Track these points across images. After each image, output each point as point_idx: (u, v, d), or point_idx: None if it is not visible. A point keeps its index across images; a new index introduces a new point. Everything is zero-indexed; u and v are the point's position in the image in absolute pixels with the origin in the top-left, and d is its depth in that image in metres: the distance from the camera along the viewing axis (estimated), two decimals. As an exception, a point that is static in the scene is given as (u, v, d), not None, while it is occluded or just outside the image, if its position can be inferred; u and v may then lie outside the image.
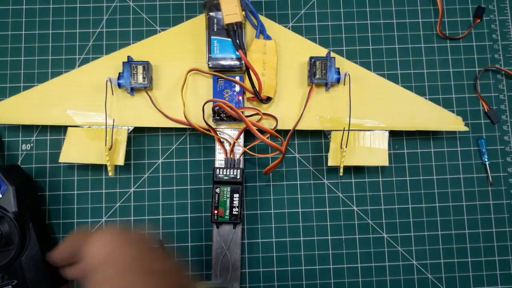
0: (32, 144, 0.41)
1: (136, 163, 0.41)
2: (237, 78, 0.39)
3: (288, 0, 0.44)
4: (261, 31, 0.40)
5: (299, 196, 0.41)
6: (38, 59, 0.42)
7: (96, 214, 0.41)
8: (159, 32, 0.42)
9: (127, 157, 0.41)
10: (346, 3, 0.44)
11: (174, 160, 0.42)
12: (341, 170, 0.38)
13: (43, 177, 0.41)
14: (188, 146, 0.42)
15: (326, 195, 0.41)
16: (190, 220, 0.41)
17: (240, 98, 0.39)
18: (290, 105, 0.40)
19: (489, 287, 0.41)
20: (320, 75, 0.38)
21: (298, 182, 0.42)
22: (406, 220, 0.41)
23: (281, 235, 0.41)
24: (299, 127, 0.39)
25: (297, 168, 0.42)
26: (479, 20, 0.43)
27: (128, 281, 0.25)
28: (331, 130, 0.39)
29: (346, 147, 0.38)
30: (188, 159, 0.42)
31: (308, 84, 0.39)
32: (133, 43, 0.42)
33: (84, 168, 0.41)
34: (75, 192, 0.41)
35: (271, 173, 0.41)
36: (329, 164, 0.39)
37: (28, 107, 0.39)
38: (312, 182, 0.42)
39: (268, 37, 0.40)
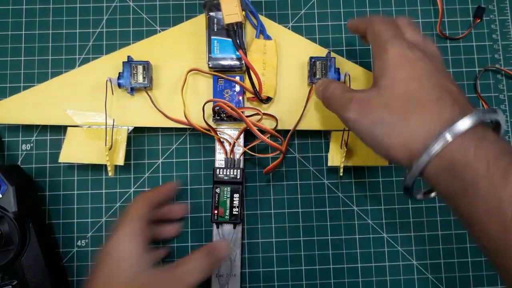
0: (32, 144, 0.41)
1: (136, 163, 0.41)
2: (237, 78, 0.38)
3: (288, 0, 0.44)
4: (261, 31, 0.40)
5: (299, 196, 0.41)
6: (38, 59, 0.42)
7: (96, 214, 0.41)
8: (159, 32, 0.42)
9: (127, 157, 0.41)
10: (346, 3, 0.44)
11: (174, 160, 0.42)
12: (341, 171, 0.38)
13: (43, 177, 0.41)
14: (188, 146, 0.42)
15: (326, 195, 0.41)
16: (190, 220, 0.41)
17: (240, 98, 0.39)
18: (290, 105, 0.39)
19: (489, 287, 0.41)
20: (320, 75, 0.38)
21: (298, 182, 0.42)
22: (406, 220, 0.41)
23: (281, 235, 0.41)
24: (299, 127, 0.39)
25: (297, 168, 0.42)
26: (479, 20, 0.43)
27: (419, 85, 0.27)
28: (331, 130, 0.39)
29: (346, 147, 0.38)
30: (188, 159, 0.42)
31: (308, 84, 0.39)
32: (133, 43, 0.42)
33: (84, 168, 0.41)
34: (75, 192, 0.41)
35: (271, 173, 0.41)
36: (329, 164, 0.39)
37: (27, 107, 0.39)
38: (312, 182, 0.42)
39: (268, 37, 0.40)
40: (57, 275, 0.39)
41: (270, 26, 0.40)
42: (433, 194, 0.31)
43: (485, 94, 0.43)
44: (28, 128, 0.41)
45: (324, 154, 0.42)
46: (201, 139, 0.42)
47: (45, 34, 0.43)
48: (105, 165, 0.38)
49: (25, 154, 0.41)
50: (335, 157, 0.39)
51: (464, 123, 0.24)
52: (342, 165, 0.38)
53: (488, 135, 0.25)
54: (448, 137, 0.24)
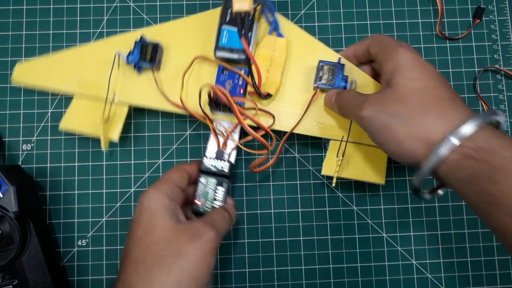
0: (32, 144, 0.41)
1: (137, 163, 0.42)
2: (243, 72, 0.37)
3: (288, 0, 0.44)
4: (275, 28, 0.38)
5: (299, 196, 0.41)
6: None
7: (96, 214, 0.41)
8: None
9: (128, 156, 0.41)
10: (346, 4, 0.44)
11: (175, 160, 0.42)
12: (334, 181, 0.37)
13: (43, 177, 0.41)
14: (188, 146, 0.42)
15: (326, 194, 0.42)
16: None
17: (242, 91, 0.37)
18: (292, 106, 0.38)
19: (488, 287, 0.41)
20: (326, 80, 0.37)
21: (298, 182, 0.42)
22: (405, 220, 0.41)
23: (281, 235, 0.41)
24: (297, 131, 0.38)
25: (297, 168, 0.42)
26: (479, 20, 0.43)
27: (433, 84, 0.30)
28: (330, 139, 0.38)
29: (342, 156, 0.37)
30: (189, 159, 0.42)
31: (313, 88, 0.38)
32: (133, 43, 0.42)
33: (85, 168, 0.41)
34: (76, 192, 0.41)
35: (270, 173, 0.41)
36: (323, 172, 0.38)
37: (41, 72, 0.39)
38: (312, 182, 0.42)
39: (280, 35, 0.38)
40: (57, 275, 0.39)
41: (286, 24, 0.39)
42: (440, 191, 0.32)
43: (484, 94, 0.43)
44: (29, 128, 0.42)
45: (323, 154, 0.42)
46: (201, 139, 0.42)
47: (45, 34, 0.43)
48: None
49: (25, 154, 0.41)
50: (330, 167, 0.38)
51: (480, 118, 0.27)
52: (335, 175, 0.37)
53: (499, 132, 0.28)
54: (469, 128, 0.27)
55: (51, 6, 0.43)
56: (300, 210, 0.41)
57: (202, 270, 0.29)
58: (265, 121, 0.38)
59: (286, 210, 0.41)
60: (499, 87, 0.43)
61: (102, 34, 0.43)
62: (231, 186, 0.36)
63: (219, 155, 0.37)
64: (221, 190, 0.36)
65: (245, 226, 0.41)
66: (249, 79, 0.36)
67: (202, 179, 0.36)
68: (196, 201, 0.36)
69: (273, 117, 0.38)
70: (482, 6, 0.44)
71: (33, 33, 0.43)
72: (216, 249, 0.31)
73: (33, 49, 0.43)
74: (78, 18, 0.43)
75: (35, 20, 0.43)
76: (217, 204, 0.36)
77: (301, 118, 0.38)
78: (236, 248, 0.41)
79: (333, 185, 0.37)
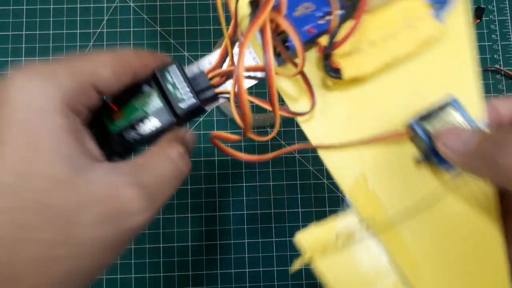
0: (33, 144, 0.41)
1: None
2: (338, 14, 0.20)
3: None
4: (438, 8, 0.21)
5: (299, 196, 0.42)
6: (39, 59, 0.42)
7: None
8: (160, 32, 0.43)
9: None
10: (346, 4, 0.44)
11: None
12: (296, 266, 0.21)
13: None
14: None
15: (326, 195, 0.42)
16: (190, 220, 0.41)
17: (311, 32, 0.20)
18: (346, 120, 0.22)
19: (488, 287, 0.41)
20: (437, 130, 0.20)
21: (298, 182, 0.42)
22: (405, 220, 0.41)
23: (281, 235, 0.41)
24: (322, 151, 0.22)
25: (297, 168, 0.42)
26: (479, 20, 0.43)
27: None
28: (353, 207, 0.21)
29: (339, 242, 0.21)
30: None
31: (405, 125, 0.21)
32: (134, 43, 0.42)
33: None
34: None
35: (271, 173, 0.41)
36: (298, 239, 0.21)
37: None
38: (312, 182, 0.42)
39: (439, 19, 0.21)
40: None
41: (458, 15, 0.22)
42: None
43: (484, 95, 0.43)
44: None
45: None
46: (202, 141, 0.42)
47: (45, 34, 0.43)
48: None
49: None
50: (313, 241, 0.21)
51: None
52: (306, 259, 0.21)
53: None
54: None
55: (51, 6, 0.43)
56: (300, 210, 0.41)
57: (95, 268, 0.16)
58: (300, 103, 0.21)
59: (286, 210, 0.41)
60: (499, 87, 0.43)
61: (102, 34, 0.43)
62: (170, 129, 0.21)
63: (198, 80, 0.21)
64: (153, 123, 0.20)
65: (245, 226, 0.41)
66: (332, 25, 0.20)
67: (145, 88, 0.20)
68: (112, 104, 0.20)
69: (312, 107, 0.21)
70: (482, 6, 0.44)
71: (33, 33, 0.43)
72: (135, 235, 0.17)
73: (33, 49, 0.43)
74: (78, 18, 0.43)
75: (35, 20, 0.43)
76: (132, 136, 0.20)
77: (344, 144, 0.22)
78: (236, 248, 0.41)
79: (292, 270, 0.23)
